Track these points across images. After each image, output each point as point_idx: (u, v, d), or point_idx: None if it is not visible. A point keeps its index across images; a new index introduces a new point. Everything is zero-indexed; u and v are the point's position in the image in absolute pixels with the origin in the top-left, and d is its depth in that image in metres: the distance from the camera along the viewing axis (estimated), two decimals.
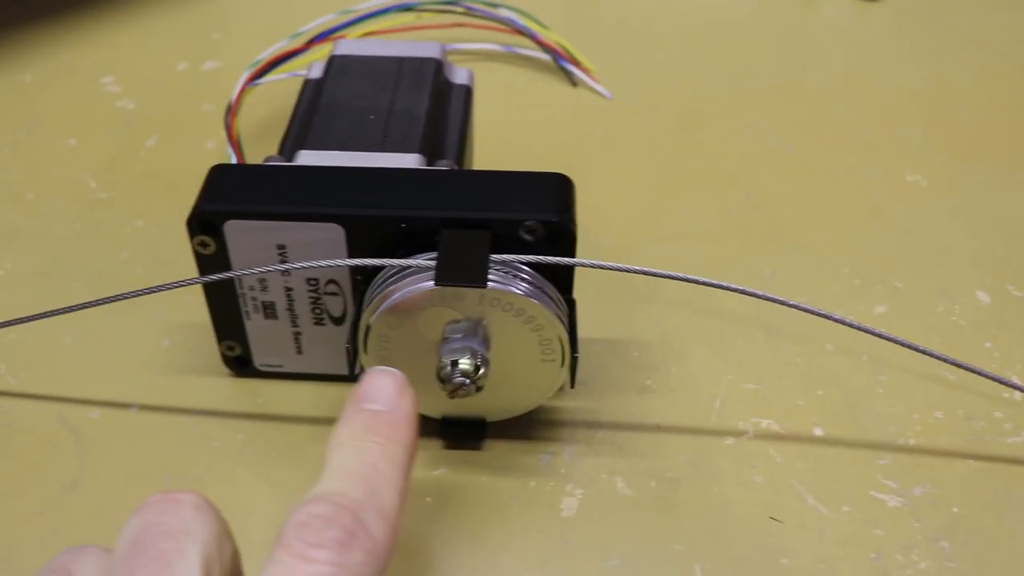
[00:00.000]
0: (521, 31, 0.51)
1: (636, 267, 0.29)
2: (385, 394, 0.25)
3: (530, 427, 0.33)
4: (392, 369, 0.26)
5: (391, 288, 0.29)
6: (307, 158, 0.33)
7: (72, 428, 0.33)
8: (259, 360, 0.34)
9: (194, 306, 0.37)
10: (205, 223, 0.30)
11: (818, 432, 0.34)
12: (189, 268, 0.31)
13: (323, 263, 0.29)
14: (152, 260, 0.40)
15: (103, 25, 0.54)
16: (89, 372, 0.35)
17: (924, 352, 0.31)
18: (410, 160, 0.33)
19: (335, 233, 0.30)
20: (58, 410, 0.34)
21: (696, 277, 0.29)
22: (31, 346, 0.36)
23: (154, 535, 0.21)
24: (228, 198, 0.30)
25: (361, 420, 0.24)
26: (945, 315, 0.38)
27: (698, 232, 0.42)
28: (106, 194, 0.43)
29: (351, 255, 0.30)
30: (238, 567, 0.22)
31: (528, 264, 0.29)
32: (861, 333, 0.31)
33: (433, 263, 0.28)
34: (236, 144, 0.38)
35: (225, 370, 0.35)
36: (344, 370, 0.34)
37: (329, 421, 0.33)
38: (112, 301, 0.31)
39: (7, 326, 0.33)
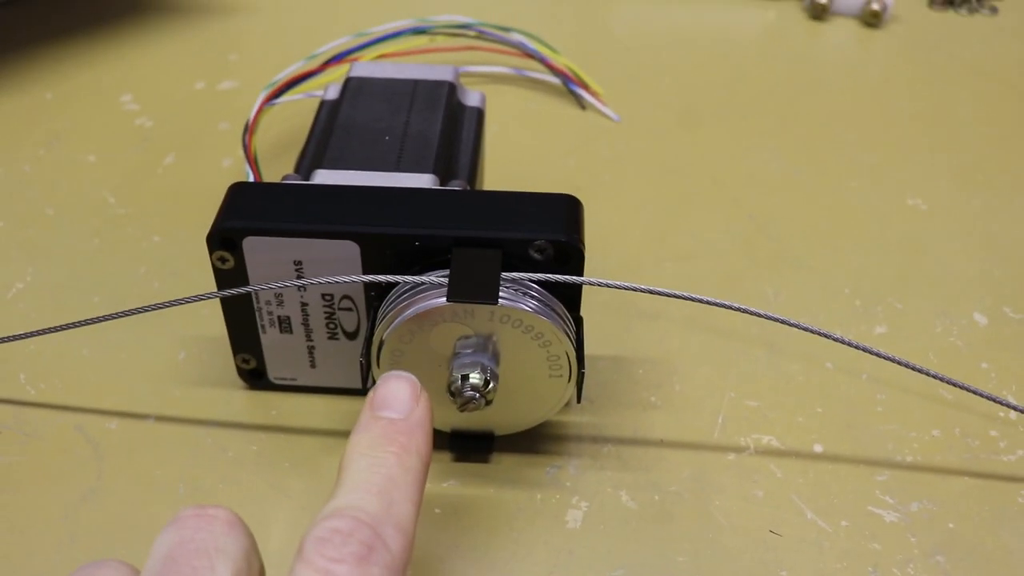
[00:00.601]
0: (532, 55, 0.52)
1: (642, 286, 0.30)
2: (401, 401, 0.25)
3: (537, 441, 0.34)
4: (407, 374, 0.26)
5: (404, 304, 0.30)
6: (324, 177, 0.34)
7: (90, 438, 0.34)
8: (273, 373, 0.35)
9: (209, 320, 0.38)
10: (225, 239, 0.31)
11: (818, 449, 0.34)
12: (205, 283, 0.32)
13: (339, 279, 0.30)
14: (169, 275, 0.41)
15: (122, 45, 0.55)
16: (107, 383, 0.36)
17: (922, 371, 0.32)
18: (424, 180, 0.34)
19: (351, 250, 0.31)
20: (77, 420, 0.35)
21: (700, 296, 0.30)
22: (50, 357, 0.37)
23: (187, 552, 0.21)
24: (247, 215, 0.31)
25: (377, 429, 0.24)
26: (943, 336, 0.39)
27: (703, 252, 0.43)
28: (124, 210, 0.44)
29: (366, 272, 0.31)
30: None
31: (537, 282, 0.30)
32: (861, 352, 0.32)
33: (446, 280, 0.29)
34: (253, 162, 0.39)
35: (240, 383, 0.36)
36: (357, 384, 0.35)
37: (341, 434, 0.34)
38: (132, 314, 0.32)
39: (28, 337, 0.34)
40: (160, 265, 0.41)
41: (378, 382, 0.26)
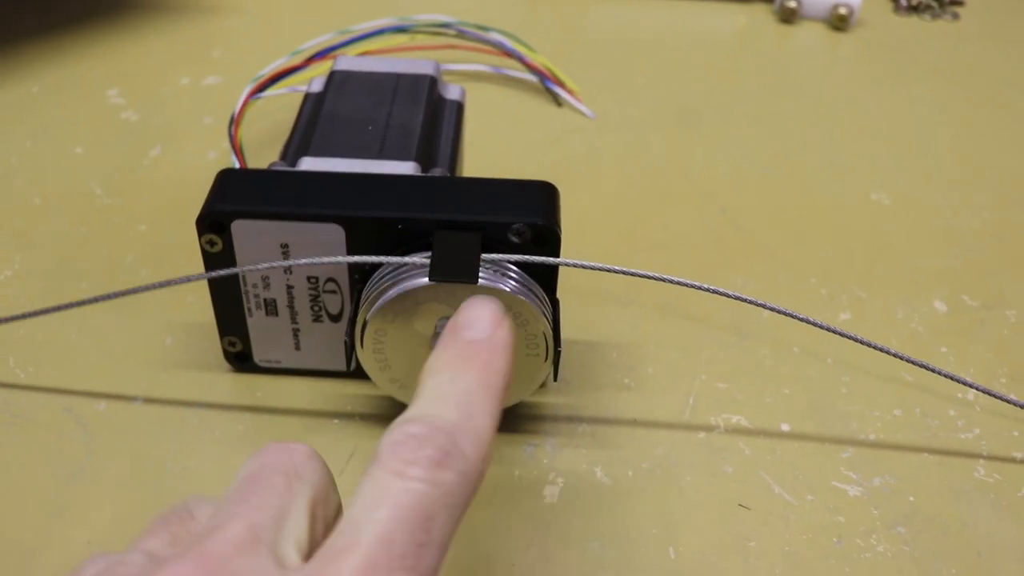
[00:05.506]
0: (510, 53, 0.53)
1: (616, 267, 0.31)
2: (484, 323, 0.25)
3: (515, 421, 0.35)
4: (490, 297, 0.26)
5: (387, 285, 0.31)
6: (310, 164, 0.35)
7: (79, 419, 0.35)
8: (259, 356, 0.36)
9: (195, 306, 0.39)
10: (214, 222, 0.32)
11: (785, 427, 0.36)
12: (190, 270, 0.33)
13: (326, 260, 0.31)
14: (155, 263, 0.41)
15: (108, 41, 0.56)
16: (95, 367, 0.37)
17: (884, 351, 0.33)
18: (406, 168, 0.35)
19: (336, 233, 0.32)
20: (66, 402, 0.36)
21: (672, 277, 0.31)
22: (39, 341, 0.38)
23: (268, 472, 0.22)
24: (236, 199, 0.32)
25: (458, 347, 0.24)
26: (905, 322, 0.40)
27: (676, 244, 0.44)
28: (111, 200, 0.45)
29: (350, 254, 0.32)
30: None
31: (516, 264, 0.31)
32: (826, 336, 0.33)
33: (428, 261, 0.30)
34: (239, 152, 0.40)
35: (226, 366, 0.37)
36: (339, 366, 0.36)
37: (325, 415, 0.36)
38: (122, 295, 0.33)
39: (17, 319, 0.35)
40: (147, 253, 0.42)
41: (461, 306, 0.26)
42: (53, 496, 0.32)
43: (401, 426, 0.22)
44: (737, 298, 0.32)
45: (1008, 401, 0.36)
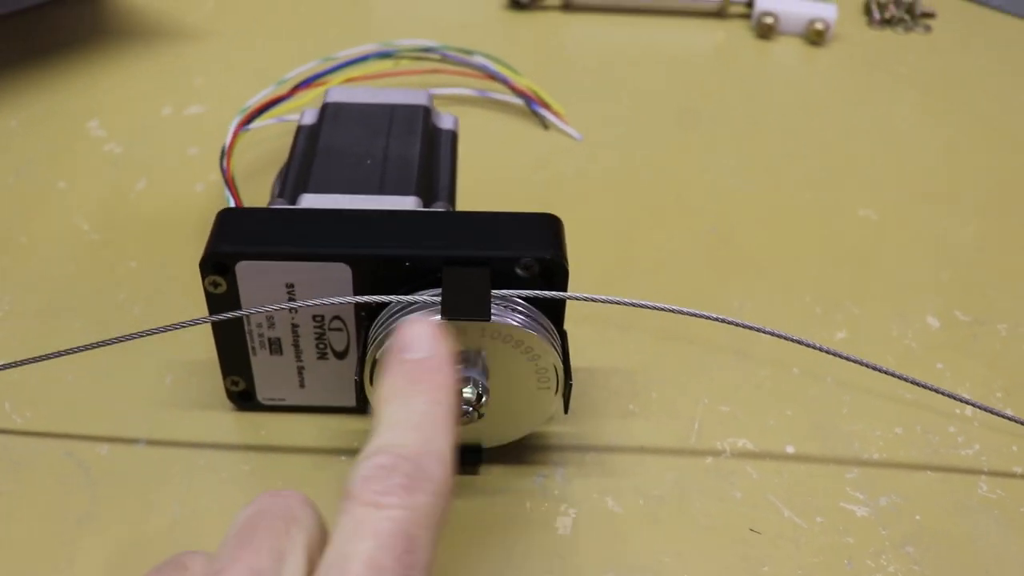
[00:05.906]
0: (494, 77, 0.53)
1: (625, 299, 0.31)
2: (423, 341, 0.26)
3: (523, 452, 0.35)
4: (424, 317, 0.27)
5: (397, 324, 0.31)
6: (310, 201, 0.35)
7: (81, 463, 0.35)
8: (262, 394, 0.36)
9: (194, 343, 0.39)
10: (218, 264, 0.32)
11: (790, 449, 0.36)
12: (184, 306, 0.33)
13: (335, 300, 0.31)
14: (149, 300, 0.41)
15: (86, 71, 0.55)
16: (94, 409, 0.36)
17: (883, 371, 0.34)
18: (408, 202, 0.35)
19: (342, 272, 0.32)
20: (66, 446, 0.35)
21: (680, 308, 0.31)
22: (35, 385, 0.37)
23: (267, 517, 0.23)
24: (239, 240, 0.32)
25: (404, 371, 0.25)
26: (900, 339, 0.41)
27: (671, 265, 0.44)
28: (99, 236, 0.44)
29: (357, 293, 0.32)
30: None
31: (523, 298, 0.31)
32: (824, 357, 0.33)
33: (437, 299, 0.30)
34: (233, 187, 0.40)
35: (228, 404, 0.36)
36: (344, 402, 0.36)
37: (332, 451, 0.35)
38: (123, 341, 0.33)
39: (14, 367, 0.34)
40: (139, 290, 0.41)
41: (398, 328, 0.27)
42: (59, 544, 0.32)
43: (367, 460, 0.23)
44: (743, 326, 0.32)
45: (1004, 416, 0.36)
